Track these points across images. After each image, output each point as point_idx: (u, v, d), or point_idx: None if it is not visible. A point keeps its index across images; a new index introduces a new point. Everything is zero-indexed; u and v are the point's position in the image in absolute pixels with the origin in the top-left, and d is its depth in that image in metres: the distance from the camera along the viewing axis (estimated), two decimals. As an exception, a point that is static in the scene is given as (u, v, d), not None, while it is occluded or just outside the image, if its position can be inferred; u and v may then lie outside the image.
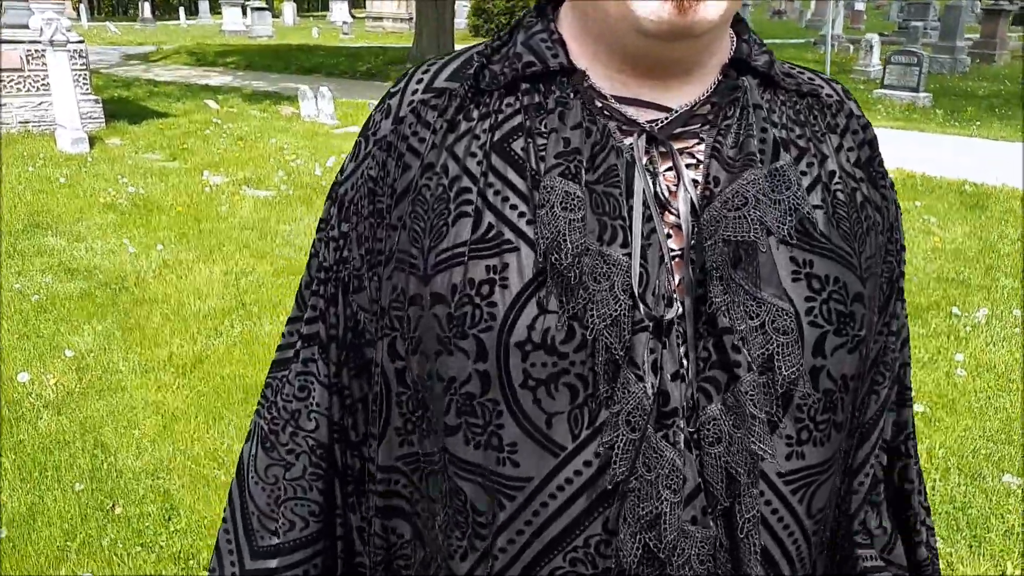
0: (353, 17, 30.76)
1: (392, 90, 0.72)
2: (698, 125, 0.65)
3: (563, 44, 0.66)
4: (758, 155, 0.63)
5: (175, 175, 7.27)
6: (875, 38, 14.74)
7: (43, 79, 8.98)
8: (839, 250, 0.64)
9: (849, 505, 0.75)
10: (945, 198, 6.55)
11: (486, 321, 0.59)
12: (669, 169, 0.63)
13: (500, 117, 0.65)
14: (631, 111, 0.64)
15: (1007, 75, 14.60)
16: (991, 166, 7.60)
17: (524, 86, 0.65)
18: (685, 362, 0.60)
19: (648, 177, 0.62)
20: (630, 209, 0.60)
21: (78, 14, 30.51)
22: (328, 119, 10.19)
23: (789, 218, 0.62)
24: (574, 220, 0.58)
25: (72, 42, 8.76)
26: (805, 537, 0.65)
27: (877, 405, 0.74)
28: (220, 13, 27.97)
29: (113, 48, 21.53)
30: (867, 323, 0.65)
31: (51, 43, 8.12)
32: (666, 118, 0.64)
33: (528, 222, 0.61)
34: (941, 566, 2.43)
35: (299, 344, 0.74)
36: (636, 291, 0.57)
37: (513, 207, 0.62)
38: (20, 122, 9.03)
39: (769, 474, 0.61)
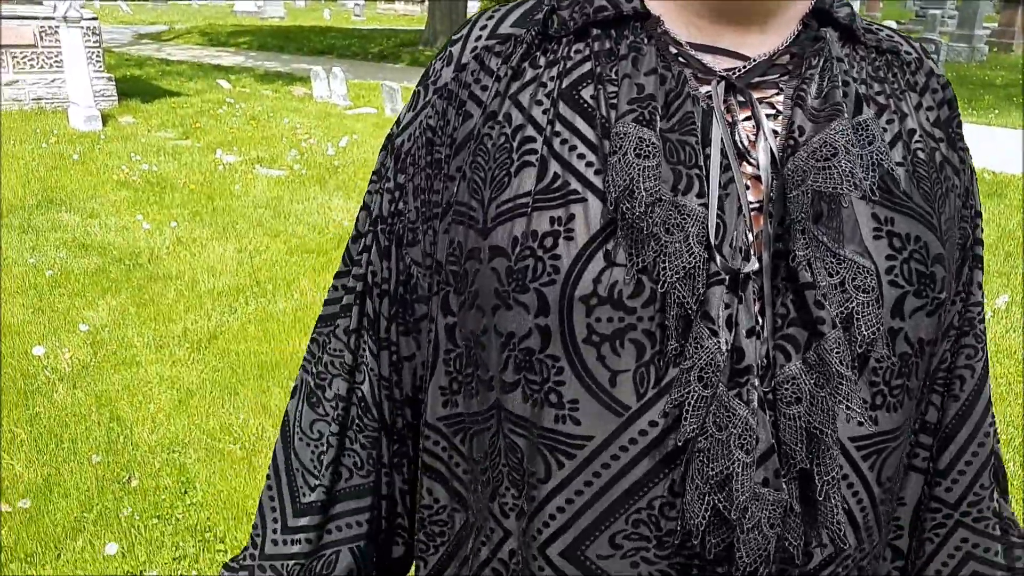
0: (365, 0, 30.64)
1: (454, 37, 0.69)
2: (777, 75, 0.62)
3: None
4: (844, 106, 0.60)
5: (188, 153, 7.25)
6: (892, 25, 14.56)
7: (56, 56, 8.97)
8: (920, 209, 0.61)
9: (956, 481, 0.72)
10: (963, 186, 6.49)
11: (549, 274, 0.56)
12: (748, 119, 0.60)
13: (569, 64, 0.62)
14: (708, 59, 0.61)
15: (1025, 64, 14.43)
16: (1010, 155, 7.51)
17: (595, 32, 0.63)
18: (761, 319, 0.57)
19: (726, 126, 0.59)
20: (707, 158, 0.57)
21: (90, -7, 30.46)
22: (340, 100, 10.16)
23: (872, 173, 0.59)
24: (649, 167, 0.55)
25: (86, 19, 8.74)
26: (873, 505, 0.63)
27: (975, 378, 0.71)
28: (232, -6, 27.88)
29: (125, 27, 21.51)
30: (947, 286, 0.62)
31: (65, 19, 8.09)
32: (744, 66, 0.62)
33: (596, 172, 0.58)
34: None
35: (346, 298, 0.72)
36: (712, 242, 0.55)
37: (581, 156, 0.59)
38: (33, 99, 9.02)
39: (842, 438, 0.59)
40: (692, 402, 0.55)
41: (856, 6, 20.89)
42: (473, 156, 0.62)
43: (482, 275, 0.60)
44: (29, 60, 9.00)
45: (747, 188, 0.59)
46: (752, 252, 0.57)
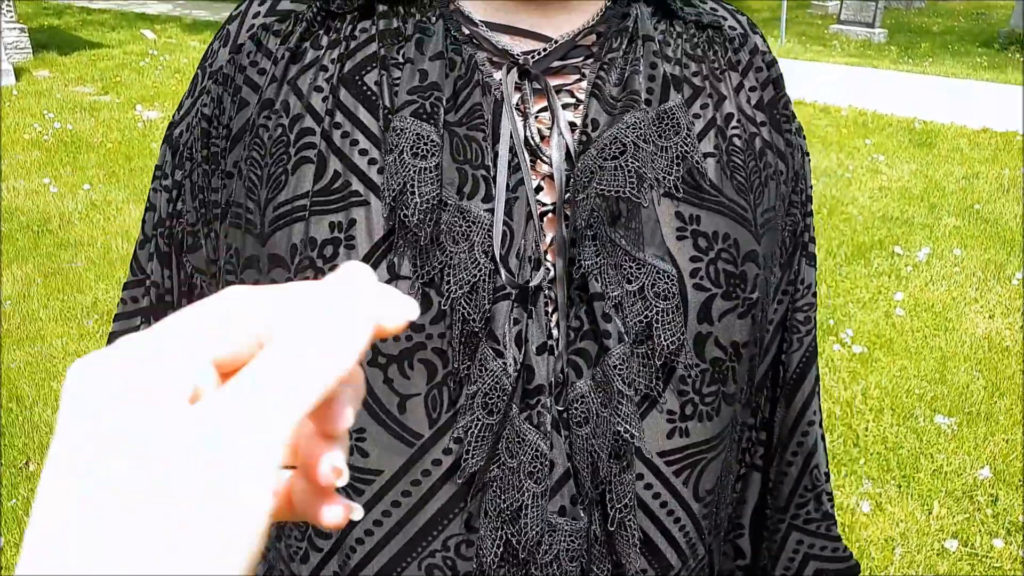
0: (302, -57, 29.49)
1: (233, 12, 0.62)
2: (580, 58, 0.56)
3: None
4: (643, 94, 0.54)
5: (107, 109, 6.93)
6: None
7: (-38, 6, 8.44)
8: (731, 203, 0.57)
9: (781, 482, 0.70)
10: (895, 136, 6.54)
11: None
12: (544, 110, 0.55)
13: (352, 44, 0.56)
14: (505, 39, 0.55)
15: (962, 11, 14.58)
16: (942, 103, 7.60)
17: (381, 8, 0.56)
18: (556, 332, 0.52)
19: (518, 119, 0.53)
20: (495, 157, 0.52)
21: (7, -64, 28.72)
22: (271, 51, 9.77)
23: (676, 168, 0.54)
24: (426, 169, 0.50)
25: (-8, -34, 8.22)
26: (694, 522, 0.59)
27: (796, 364, 0.68)
28: (160, -63, 26.60)
29: (45, -27, 20.38)
30: (761, 285, 0.58)
31: (-33, -34, 7.59)
32: (545, 49, 0.55)
33: (380, 170, 0.52)
34: (871, 506, 2.46)
35: (135, 316, 0.65)
36: (498, 253, 0.49)
37: (363, 152, 0.53)
38: (-61, 52, 8.49)
39: (649, 454, 0.55)
40: (476, 431, 0.50)
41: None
42: (248, 150, 0.56)
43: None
44: (-68, 10, 8.45)
45: (540, 190, 0.54)
46: (545, 260, 0.52)
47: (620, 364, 0.51)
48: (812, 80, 8.61)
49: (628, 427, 0.51)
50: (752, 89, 0.62)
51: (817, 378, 0.70)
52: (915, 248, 4.36)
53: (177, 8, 14.02)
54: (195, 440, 0.23)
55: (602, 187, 0.51)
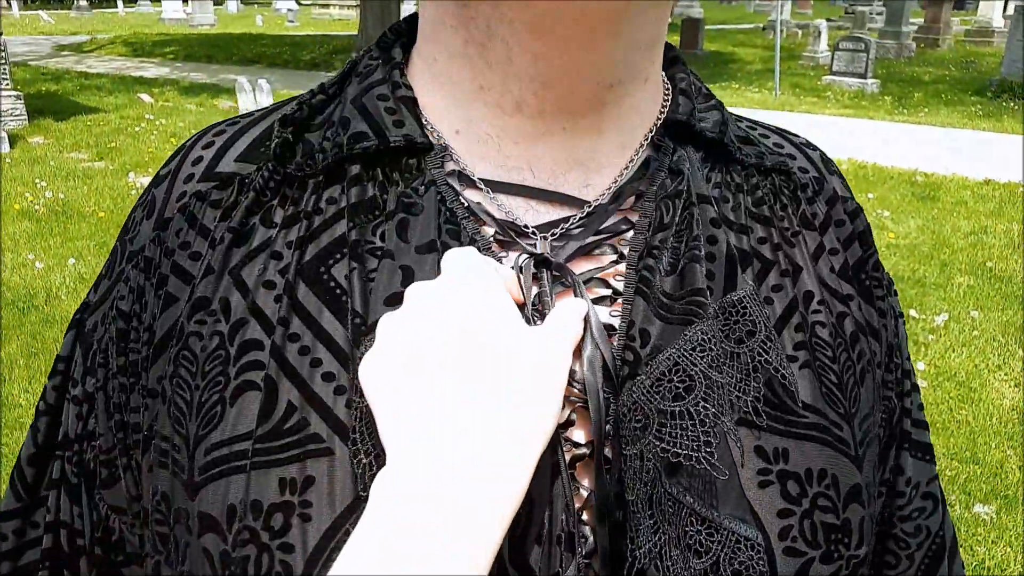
0: (299, 4, 30.07)
1: (161, 171, 0.48)
2: (612, 233, 0.43)
3: (412, 103, 0.43)
4: (707, 292, 0.41)
5: (100, 177, 6.85)
6: (823, 23, 14.73)
7: (-43, 75, 8.44)
8: (824, 424, 0.43)
9: None
10: (897, 189, 6.47)
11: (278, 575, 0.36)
12: None
13: (317, 222, 0.42)
14: (516, 205, 0.43)
15: (951, 60, 14.71)
16: (941, 154, 7.56)
17: (353, 170, 0.42)
18: None
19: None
20: None
21: (9, 3, 29.30)
22: (267, 113, 9.78)
23: (754, 383, 0.40)
24: None
25: (-12, 35, 8.24)
26: None
27: None
28: (159, 1, 27.06)
29: (46, 38, 20.64)
30: (868, 532, 0.44)
31: (-38, 37, 7.60)
32: (569, 220, 0.43)
33: (348, 403, 0.38)
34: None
35: (28, 553, 0.49)
36: (510, 540, 0.36)
37: (327, 377, 0.39)
38: (-67, 121, 8.47)
39: None
40: None
41: (787, 8, 21.26)
42: (175, 366, 0.41)
43: (193, 552, 0.39)
44: (-73, 80, 8.46)
45: (571, 424, 0.40)
46: (578, 529, 0.38)
47: None
48: (809, 133, 8.58)
49: None
50: (833, 252, 0.49)
51: None
52: (931, 311, 4.23)
53: (175, 71, 14.12)
54: (541, 349, 0.35)
55: (662, 443, 0.38)
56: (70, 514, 0.48)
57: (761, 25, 21.48)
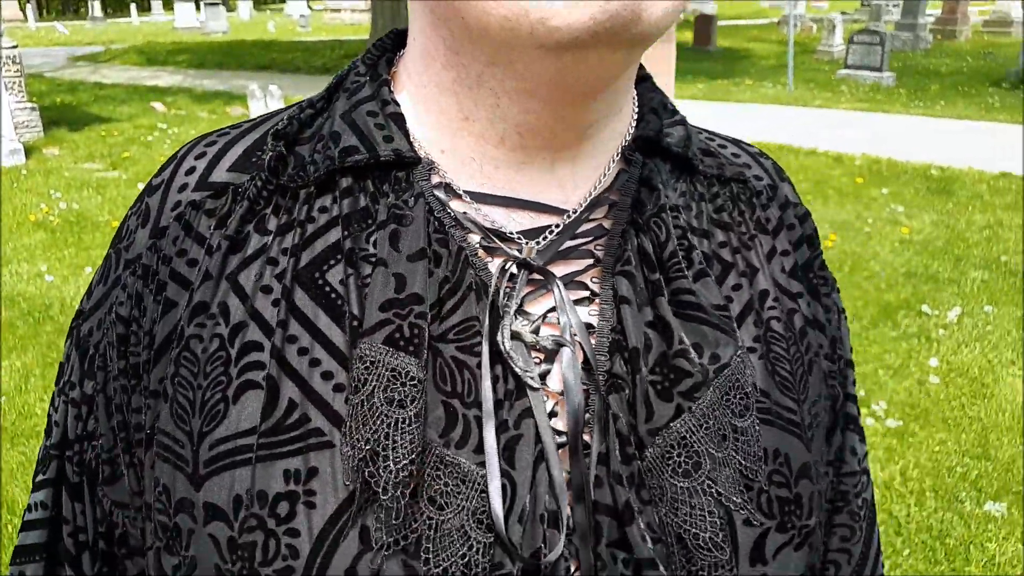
0: (311, 9, 30.26)
1: (154, 180, 0.50)
2: (591, 238, 0.46)
3: (400, 120, 0.46)
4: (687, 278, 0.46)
5: (113, 187, 6.93)
6: (838, 17, 14.63)
7: (-26, 88, 8.55)
8: (778, 409, 0.48)
9: None
10: (911, 184, 6.41)
11: (285, 559, 0.40)
12: (553, 309, 0.45)
13: (310, 230, 0.45)
14: (499, 215, 0.45)
15: (968, 51, 14.56)
16: (957, 147, 7.48)
17: (344, 182, 0.45)
18: None
19: (521, 326, 0.43)
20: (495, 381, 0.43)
21: (25, 15, 29.69)
22: (279, 119, 9.85)
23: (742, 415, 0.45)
24: (404, 419, 0.39)
25: (5, 48, 8.35)
26: None
27: (851, 565, 0.58)
28: (173, 9, 27.31)
29: (61, 49, 20.92)
30: (816, 503, 0.48)
31: (-21, 50, 7.71)
32: (551, 230, 0.46)
33: (347, 400, 0.41)
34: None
35: (29, 552, 0.52)
36: (500, 521, 0.40)
37: (327, 376, 0.42)
38: (-48, 134, 8.59)
39: None
40: None
41: (801, 3, 21.11)
42: (177, 367, 0.44)
43: (198, 539, 0.43)
44: (-55, 94, 8.57)
45: (555, 415, 0.43)
46: (561, 513, 0.42)
47: None
48: (823, 128, 8.53)
49: None
50: (785, 253, 0.53)
51: (878, 555, 0.60)
52: (944, 306, 4.19)
53: (188, 79, 14.26)
54: None
55: (678, 518, 0.43)
56: (71, 511, 0.50)
57: (776, 20, 21.37)
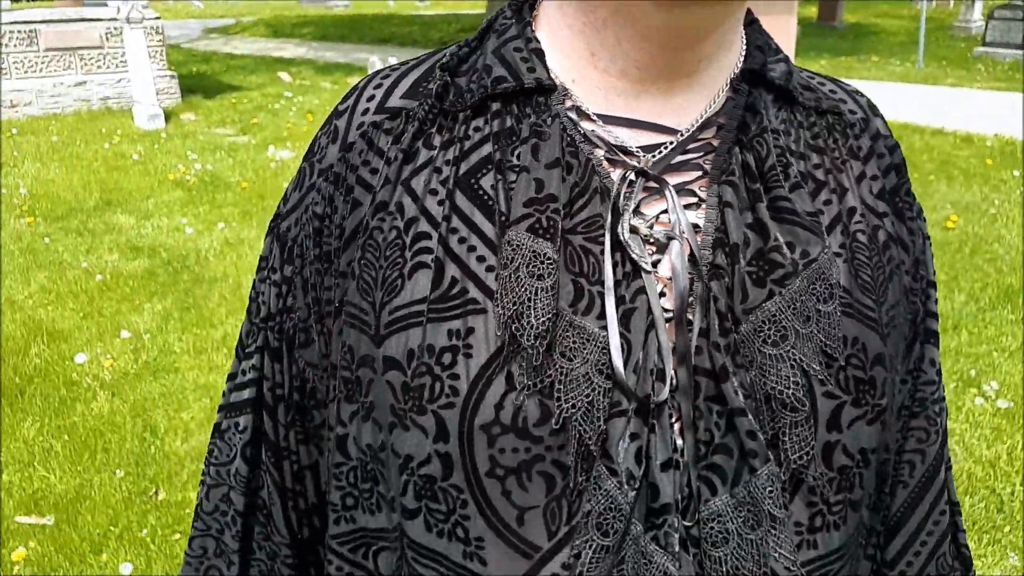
0: (429, -16, 30.65)
1: (340, 107, 0.62)
2: (701, 153, 0.55)
3: (541, 54, 0.56)
4: (787, 254, 0.52)
5: (243, 150, 7.37)
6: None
7: (121, 56, 9.23)
8: (858, 305, 0.55)
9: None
10: (1047, 166, 6.05)
11: (447, 396, 0.50)
12: (665, 211, 0.53)
13: (467, 145, 0.55)
14: (624, 134, 0.54)
15: (1126, 27, 13.40)
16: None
17: (494, 106, 0.55)
18: (680, 441, 0.51)
19: (639, 223, 0.52)
20: (615, 266, 0.51)
21: (165, -11, 31.32)
22: (396, 90, 10.13)
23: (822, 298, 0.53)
24: (542, 289, 0.49)
25: (148, 19, 8.95)
26: None
27: (925, 464, 0.65)
28: (299, -16, 28.26)
29: (196, 21, 22.07)
30: (889, 389, 0.56)
31: (128, 20, 8.30)
32: (665, 145, 0.54)
33: (498, 277, 0.51)
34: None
35: (243, 395, 0.65)
36: (619, 369, 0.48)
37: (481, 259, 0.52)
38: (101, 99, 9.31)
39: (778, 570, 0.52)
40: (590, 552, 0.49)
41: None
42: (363, 252, 0.55)
43: (377, 386, 0.53)
44: (96, 61, 9.28)
45: (663, 295, 0.52)
46: (668, 371, 0.50)
47: (769, 485, 0.49)
48: (954, 107, 8.11)
49: (785, 554, 0.50)
50: (874, 178, 0.60)
51: (949, 464, 0.67)
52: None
53: (311, 51, 14.81)
54: None
55: (766, 380, 0.50)
56: (271, 369, 0.63)
57: (907, -6, 20.21)
